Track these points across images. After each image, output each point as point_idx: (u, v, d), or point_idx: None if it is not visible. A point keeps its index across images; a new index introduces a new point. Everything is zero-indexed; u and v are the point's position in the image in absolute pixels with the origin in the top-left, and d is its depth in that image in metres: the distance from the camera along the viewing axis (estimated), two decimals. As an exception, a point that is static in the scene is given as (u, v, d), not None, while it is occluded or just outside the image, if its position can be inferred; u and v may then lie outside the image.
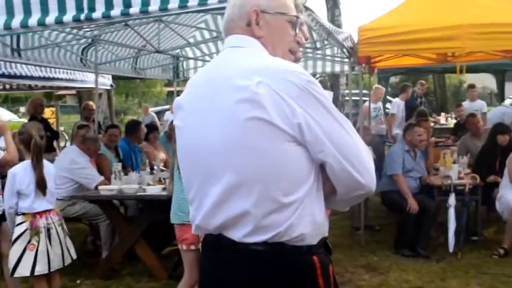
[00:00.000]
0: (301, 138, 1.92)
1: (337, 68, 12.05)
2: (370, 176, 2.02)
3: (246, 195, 1.93)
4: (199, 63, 11.43)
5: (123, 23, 7.65)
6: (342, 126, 1.99)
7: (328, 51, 10.56)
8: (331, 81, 15.85)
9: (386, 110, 13.65)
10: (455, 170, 7.75)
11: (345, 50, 8.09)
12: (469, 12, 7.53)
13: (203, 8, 4.72)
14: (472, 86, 13.73)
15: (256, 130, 1.90)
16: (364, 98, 12.57)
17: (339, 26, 14.61)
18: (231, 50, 2.13)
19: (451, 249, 7.10)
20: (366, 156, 2.03)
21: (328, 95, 2.39)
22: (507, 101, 16.60)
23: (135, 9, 4.71)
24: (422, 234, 7.35)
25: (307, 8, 5.27)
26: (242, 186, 1.94)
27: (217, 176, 1.98)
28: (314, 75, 21.86)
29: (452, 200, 7.18)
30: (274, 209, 1.93)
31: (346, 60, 9.32)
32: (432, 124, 13.82)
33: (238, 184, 1.94)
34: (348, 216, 8.66)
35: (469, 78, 27.33)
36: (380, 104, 12.42)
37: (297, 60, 2.26)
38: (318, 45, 9.10)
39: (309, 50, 9.57)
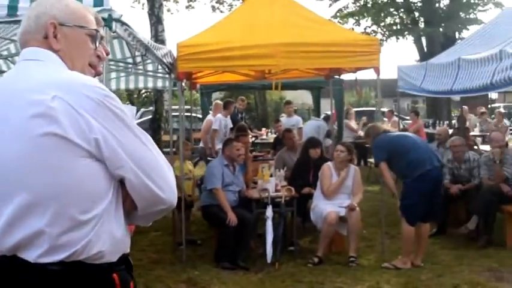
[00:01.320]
0: (98, 153, 1.88)
1: (160, 84, 12.06)
2: (171, 190, 2.03)
3: (41, 214, 1.86)
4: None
5: None
6: (142, 141, 1.98)
7: (150, 67, 10.54)
8: (155, 97, 15.82)
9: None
10: (272, 183, 8.02)
11: (164, 66, 8.10)
12: (283, 31, 7.85)
13: (13, 19, 4.51)
14: (288, 103, 14.31)
15: (50, 146, 1.84)
16: (188, 113, 12.74)
17: (163, 41, 14.65)
18: (26, 63, 2.05)
19: (269, 259, 7.31)
20: (167, 171, 2.04)
21: (129, 109, 2.37)
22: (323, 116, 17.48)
23: None
24: (242, 246, 7.53)
25: (123, 23, 5.19)
26: (37, 205, 1.86)
27: (10, 194, 1.89)
28: (139, 90, 21.73)
29: (269, 212, 7.42)
30: (70, 227, 1.87)
31: (167, 76, 9.34)
32: (253, 139, 14.27)
33: (32, 203, 1.86)
34: (170, 232, 8.66)
35: (289, 94, 28.53)
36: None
37: (98, 75, 2.22)
38: (138, 60, 9.04)
39: (129, 66, 9.47)
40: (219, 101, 13.60)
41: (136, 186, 1.95)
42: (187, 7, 23.78)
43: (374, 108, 21.63)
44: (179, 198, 7.79)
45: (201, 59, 7.60)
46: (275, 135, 13.88)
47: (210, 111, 13.38)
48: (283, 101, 23.35)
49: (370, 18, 23.69)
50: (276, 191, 7.94)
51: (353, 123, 16.47)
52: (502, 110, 22.80)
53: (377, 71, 7.89)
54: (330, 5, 24.27)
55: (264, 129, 17.00)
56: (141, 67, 9.85)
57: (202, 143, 12.36)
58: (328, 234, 7.54)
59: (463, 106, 19.79)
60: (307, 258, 7.55)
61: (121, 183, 1.98)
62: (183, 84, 9.88)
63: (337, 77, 11.82)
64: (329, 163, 7.99)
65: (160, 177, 1.99)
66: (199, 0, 45.51)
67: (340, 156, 7.82)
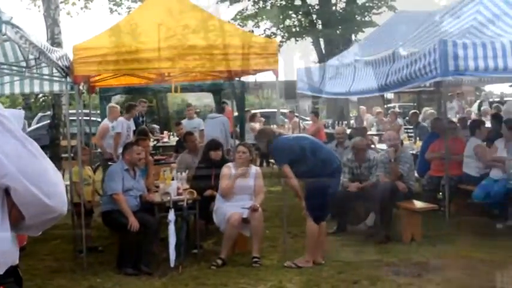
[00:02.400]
0: (-19, 163, 1.80)
1: (57, 87, 11.69)
2: (60, 198, 1.96)
3: None
4: None
5: None
6: (27, 148, 1.90)
7: (45, 70, 10.19)
8: (53, 101, 15.34)
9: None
10: (174, 186, 7.96)
11: (60, 69, 7.87)
12: (181, 34, 7.83)
13: None
14: (188, 105, 14.29)
15: None
16: (87, 118, 12.43)
17: (60, 44, 14.24)
18: None
19: (172, 263, 7.26)
20: (55, 178, 1.97)
21: (14, 115, 2.28)
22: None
23: None
24: (145, 251, 7.42)
25: (13, 25, 5.02)
26: None
27: None
28: (36, 94, 21.05)
29: (171, 215, 7.36)
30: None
31: (64, 79, 9.08)
32: (155, 142, 14.12)
33: None
34: (70, 239, 8.44)
35: (192, 97, 28.44)
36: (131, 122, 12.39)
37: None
38: (32, 63, 8.74)
39: (23, 69, 9.13)
40: (114, 105, 13.33)
41: (22, 195, 1.87)
42: (82, 8, 23.21)
43: (275, 110, 21.94)
44: (78, 205, 7.69)
45: (98, 62, 7.45)
46: (177, 138, 13.79)
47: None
48: (185, 103, 23.31)
49: (269, 20, 24.00)
50: (178, 194, 7.87)
51: (258, 126, 16.59)
52: (397, 109, 23.67)
53: (276, 73, 7.99)
54: (229, 6, 24.39)
55: (166, 132, 16.83)
56: (35, 70, 9.51)
57: (99, 148, 12.11)
58: (231, 235, 7.56)
59: (361, 106, 20.42)
60: (210, 261, 7.54)
61: (6, 192, 1.90)
62: (81, 87, 9.63)
63: (237, 79, 11.90)
64: (229, 164, 8.02)
65: (48, 185, 1.92)
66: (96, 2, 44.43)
67: (241, 158, 7.86)
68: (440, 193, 9.63)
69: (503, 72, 7.69)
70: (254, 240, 7.59)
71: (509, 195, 8.52)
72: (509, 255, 7.45)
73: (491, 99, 23.51)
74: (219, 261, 7.43)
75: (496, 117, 11.79)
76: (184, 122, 13.67)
